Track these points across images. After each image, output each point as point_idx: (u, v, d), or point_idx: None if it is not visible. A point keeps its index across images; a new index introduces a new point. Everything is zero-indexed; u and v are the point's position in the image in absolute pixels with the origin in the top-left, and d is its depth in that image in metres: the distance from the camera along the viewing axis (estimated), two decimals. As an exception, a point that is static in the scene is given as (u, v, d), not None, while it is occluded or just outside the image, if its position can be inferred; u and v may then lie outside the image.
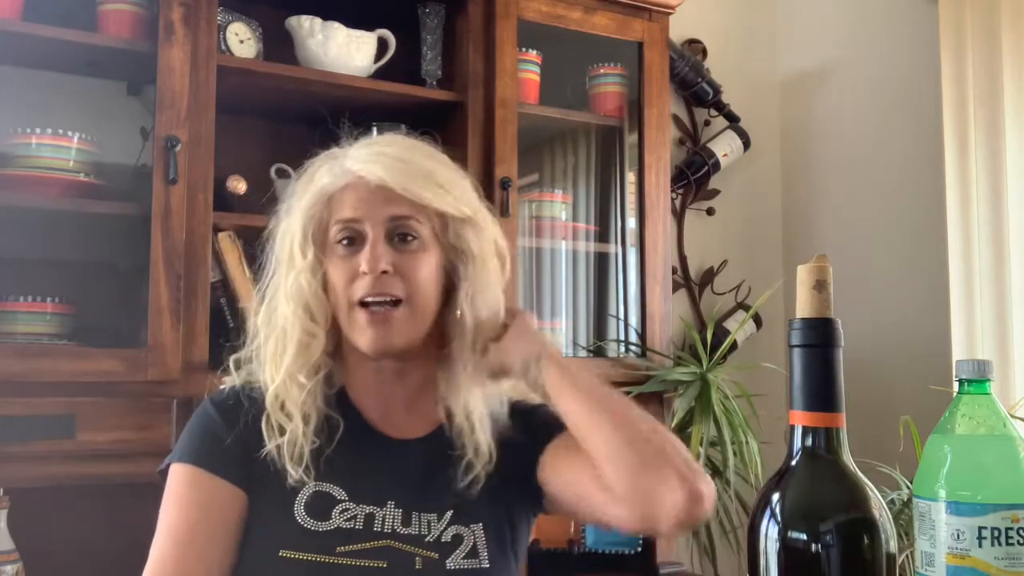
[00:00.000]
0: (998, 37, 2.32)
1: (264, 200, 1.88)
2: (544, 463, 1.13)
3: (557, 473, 1.12)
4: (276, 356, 1.10)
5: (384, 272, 1.06)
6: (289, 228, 1.12)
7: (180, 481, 1.08)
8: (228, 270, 1.93)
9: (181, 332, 1.81)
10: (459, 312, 1.11)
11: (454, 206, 1.09)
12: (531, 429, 1.15)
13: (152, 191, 1.81)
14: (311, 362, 1.10)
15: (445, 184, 1.10)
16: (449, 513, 1.10)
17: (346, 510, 1.07)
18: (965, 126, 2.36)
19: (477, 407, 1.12)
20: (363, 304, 1.07)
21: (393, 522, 1.08)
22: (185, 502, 1.07)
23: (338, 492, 1.08)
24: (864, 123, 2.76)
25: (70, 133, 1.86)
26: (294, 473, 1.06)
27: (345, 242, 1.09)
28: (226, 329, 1.90)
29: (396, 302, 1.07)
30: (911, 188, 2.61)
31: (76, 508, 1.92)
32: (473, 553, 1.08)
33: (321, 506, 1.07)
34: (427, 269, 1.09)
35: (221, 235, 1.93)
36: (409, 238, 1.09)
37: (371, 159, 1.09)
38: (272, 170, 2.09)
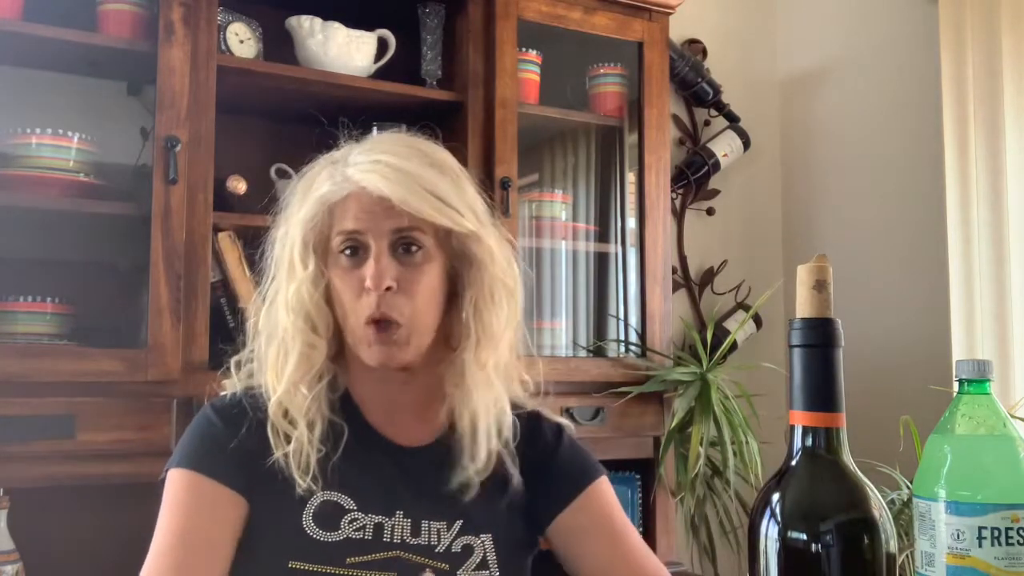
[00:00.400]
0: (998, 37, 2.32)
1: (264, 200, 1.88)
2: (556, 527, 1.14)
3: (562, 542, 1.15)
4: (277, 365, 1.09)
5: (388, 288, 1.05)
6: (289, 235, 1.10)
7: (178, 486, 1.06)
8: (228, 270, 1.93)
9: (181, 332, 1.81)
10: (464, 317, 1.11)
11: (455, 221, 1.07)
12: (558, 472, 1.16)
13: (152, 191, 1.81)
14: (313, 370, 1.09)
15: (445, 196, 1.07)
16: (459, 523, 1.08)
17: (355, 520, 1.06)
18: (965, 126, 2.36)
19: (485, 413, 1.11)
20: (368, 320, 1.06)
21: (402, 532, 1.06)
22: (183, 507, 1.05)
23: (346, 501, 1.07)
24: (864, 123, 2.76)
25: (70, 133, 1.86)
26: (302, 483, 1.05)
27: (348, 252, 1.08)
28: (226, 329, 1.90)
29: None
30: (911, 188, 2.61)
31: (76, 508, 1.92)
32: (483, 565, 1.07)
33: (330, 516, 1.06)
34: (430, 281, 1.08)
35: (221, 235, 1.93)
36: (413, 248, 1.07)
37: (371, 168, 1.06)
38: (272, 170, 2.09)
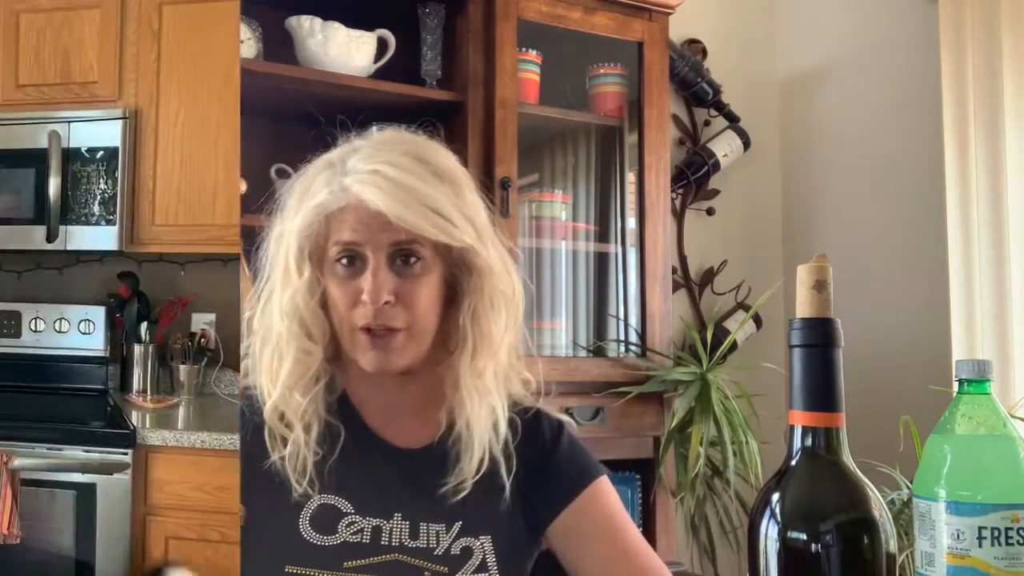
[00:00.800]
0: (998, 37, 2.32)
1: (264, 200, 1.88)
2: (555, 529, 1.13)
3: (561, 544, 1.13)
4: (272, 369, 1.07)
5: (386, 303, 1.03)
6: (285, 239, 1.08)
7: None
8: (228, 270, 1.93)
9: (181, 332, 1.81)
10: (461, 323, 1.10)
11: (453, 236, 1.04)
12: (557, 473, 1.15)
13: (152, 191, 1.82)
14: (309, 374, 1.07)
15: (444, 210, 1.04)
16: (457, 525, 1.08)
17: (352, 523, 1.05)
18: (965, 126, 2.36)
19: (481, 418, 1.10)
20: (363, 327, 1.05)
21: (400, 535, 1.06)
22: None
23: (343, 505, 1.06)
24: (864, 123, 2.76)
25: (70, 133, 1.86)
26: (298, 487, 1.04)
27: (345, 262, 1.06)
28: (226, 329, 1.90)
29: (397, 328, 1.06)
30: (911, 188, 2.61)
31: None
32: (483, 567, 1.06)
33: (327, 520, 1.05)
34: (428, 292, 1.07)
35: (221, 235, 1.93)
36: (412, 260, 1.05)
37: (368, 179, 1.03)
38: (272, 170, 2.09)
